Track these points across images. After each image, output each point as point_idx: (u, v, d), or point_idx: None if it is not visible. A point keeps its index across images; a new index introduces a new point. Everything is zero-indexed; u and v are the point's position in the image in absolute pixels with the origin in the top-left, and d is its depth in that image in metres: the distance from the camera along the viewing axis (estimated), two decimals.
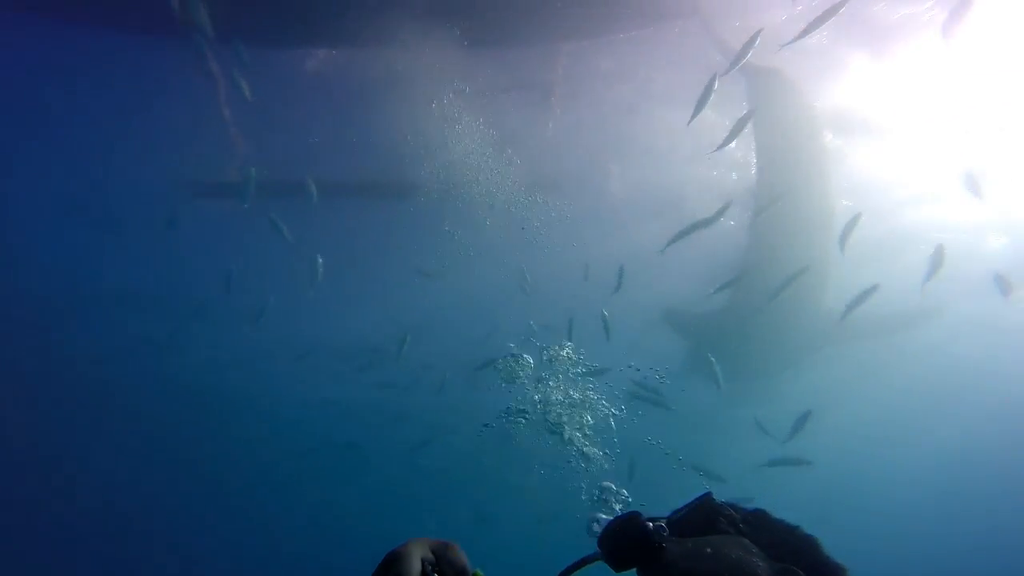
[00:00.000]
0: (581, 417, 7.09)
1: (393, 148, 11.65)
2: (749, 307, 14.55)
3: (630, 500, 6.03)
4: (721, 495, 2.43)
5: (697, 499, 2.33)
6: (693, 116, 9.11)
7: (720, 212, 10.21)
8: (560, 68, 11.61)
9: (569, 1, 10.16)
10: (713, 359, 12.47)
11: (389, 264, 14.27)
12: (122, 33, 9.29)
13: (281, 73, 10.54)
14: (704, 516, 2.25)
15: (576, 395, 7.22)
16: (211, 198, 12.35)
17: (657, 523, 2.21)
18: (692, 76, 9.92)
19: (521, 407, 7.60)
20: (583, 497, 6.06)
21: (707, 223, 10.32)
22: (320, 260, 11.74)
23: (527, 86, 11.96)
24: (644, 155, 13.22)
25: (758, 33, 8.40)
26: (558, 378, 7.47)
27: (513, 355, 7.41)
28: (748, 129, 12.29)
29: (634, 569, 2.16)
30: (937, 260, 10.03)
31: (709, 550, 2.03)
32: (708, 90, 8.84)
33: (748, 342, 14.89)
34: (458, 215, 12.78)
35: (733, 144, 10.13)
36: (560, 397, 7.22)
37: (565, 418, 7.03)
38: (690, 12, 10.41)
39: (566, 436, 6.94)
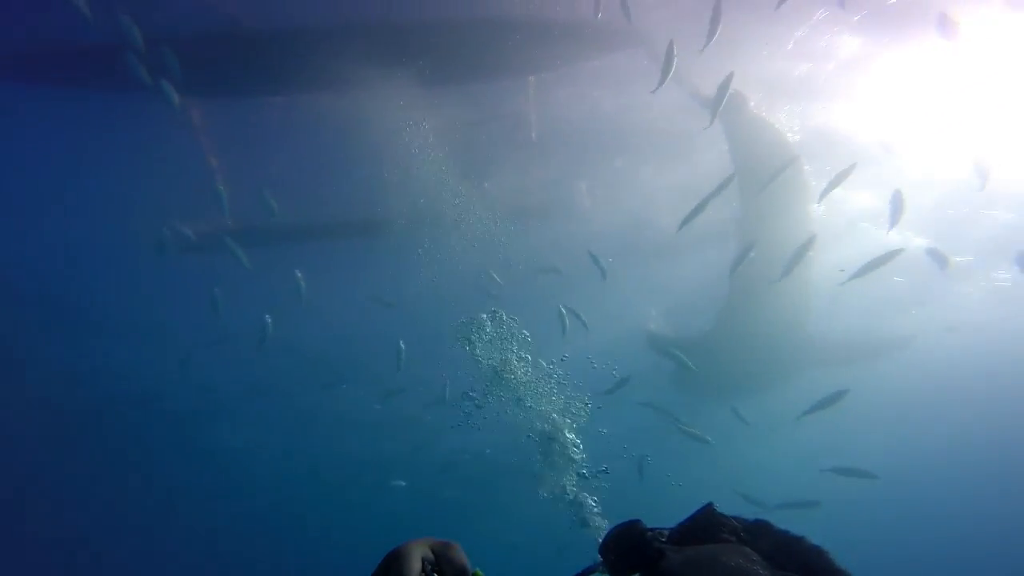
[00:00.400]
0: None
1: (364, 186, 12.19)
2: (730, 333, 14.71)
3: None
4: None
5: (699, 510, 2.31)
6: (659, 85, 8.91)
7: (724, 184, 10.05)
8: (521, 98, 12.04)
9: (524, 36, 10.63)
10: (680, 353, 12.83)
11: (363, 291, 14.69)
12: (84, 88, 10.17)
13: (246, 120, 11.23)
14: (706, 526, 2.23)
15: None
16: (195, 252, 12.96)
17: (657, 531, 2.25)
18: (646, 97, 9.96)
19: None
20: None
21: (713, 195, 10.06)
22: (299, 274, 12.19)
23: (495, 118, 12.41)
24: (611, 173, 13.55)
25: (719, 2, 8.25)
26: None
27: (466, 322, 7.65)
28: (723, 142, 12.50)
29: None
30: (897, 205, 9.72)
31: (709, 557, 2.02)
32: (668, 60, 8.65)
33: (730, 365, 15.01)
34: (434, 240, 13.27)
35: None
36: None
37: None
38: (637, 43, 10.77)
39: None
